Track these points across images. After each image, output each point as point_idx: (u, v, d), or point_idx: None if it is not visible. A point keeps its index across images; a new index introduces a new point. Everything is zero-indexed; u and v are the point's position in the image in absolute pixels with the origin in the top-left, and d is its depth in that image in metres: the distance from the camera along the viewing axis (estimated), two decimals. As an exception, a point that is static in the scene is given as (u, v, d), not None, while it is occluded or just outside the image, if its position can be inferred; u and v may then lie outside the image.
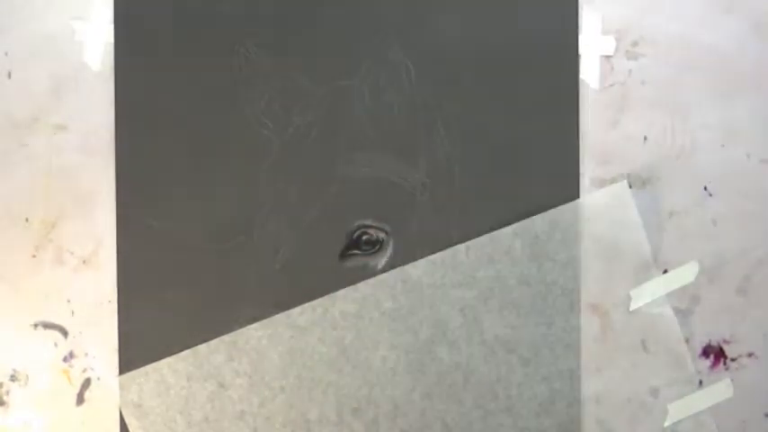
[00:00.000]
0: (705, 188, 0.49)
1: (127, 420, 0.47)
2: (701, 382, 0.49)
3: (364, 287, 0.47)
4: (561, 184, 0.48)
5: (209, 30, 0.47)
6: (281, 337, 0.47)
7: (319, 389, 0.47)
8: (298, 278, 0.47)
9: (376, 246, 0.47)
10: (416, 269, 0.47)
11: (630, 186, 0.48)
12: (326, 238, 0.47)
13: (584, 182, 0.48)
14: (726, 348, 0.49)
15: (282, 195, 0.47)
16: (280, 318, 0.47)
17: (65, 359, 0.48)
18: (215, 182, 0.47)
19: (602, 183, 0.48)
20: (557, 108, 0.48)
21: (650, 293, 0.48)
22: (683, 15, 0.49)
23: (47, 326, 0.47)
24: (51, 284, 0.47)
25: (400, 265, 0.47)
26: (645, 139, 0.49)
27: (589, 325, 0.48)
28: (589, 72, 0.48)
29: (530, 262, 0.48)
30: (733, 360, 0.49)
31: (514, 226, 0.47)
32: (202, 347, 0.47)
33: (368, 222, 0.47)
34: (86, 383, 0.48)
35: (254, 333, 0.47)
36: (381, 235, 0.47)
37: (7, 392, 0.48)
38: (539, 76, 0.48)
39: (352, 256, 0.47)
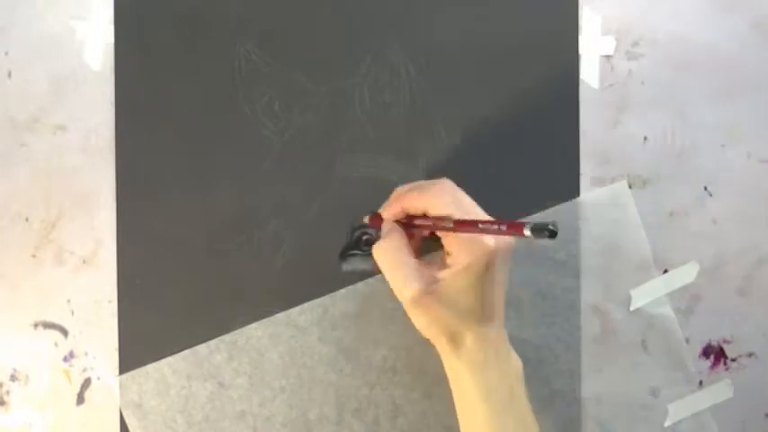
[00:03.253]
0: (705, 188, 0.49)
1: (127, 420, 0.47)
2: (701, 382, 0.49)
3: (364, 287, 0.47)
4: (561, 183, 0.48)
5: (209, 30, 0.47)
6: (280, 337, 0.47)
7: (319, 389, 0.47)
8: (298, 278, 0.47)
9: (376, 246, 0.47)
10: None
11: (630, 186, 0.48)
12: (326, 238, 0.47)
13: (585, 182, 0.48)
14: (726, 348, 0.49)
15: (282, 195, 0.47)
16: (280, 318, 0.47)
17: (65, 359, 0.48)
18: (215, 182, 0.47)
19: (602, 182, 0.48)
20: (557, 108, 0.48)
21: (650, 293, 0.48)
22: (683, 15, 0.49)
23: (47, 326, 0.48)
24: (51, 284, 0.47)
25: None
26: (645, 139, 0.49)
27: (589, 325, 0.48)
28: (589, 72, 0.48)
29: (528, 261, 0.48)
30: (733, 360, 0.49)
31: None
32: (202, 347, 0.47)
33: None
34: (86, 383, 0.48)
35: (254, 333, 0.47)
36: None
37: (7, 392, 0.48)
38: (539, 76, 0.48)
39: (352, 256, 0.47)
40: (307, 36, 0.48)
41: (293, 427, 0.47)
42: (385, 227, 0.43)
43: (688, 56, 0.49)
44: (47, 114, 0.48)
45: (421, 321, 0.40)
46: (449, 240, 0.40)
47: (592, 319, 0.48)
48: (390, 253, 0.40)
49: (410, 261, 0.40)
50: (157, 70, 0.47)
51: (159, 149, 0.47)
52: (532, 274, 0.48)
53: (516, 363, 0.41)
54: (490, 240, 0.39)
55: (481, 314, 0.39)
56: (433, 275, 0.39)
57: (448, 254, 0.40)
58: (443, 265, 0.40)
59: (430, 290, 0.39)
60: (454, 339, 0.40)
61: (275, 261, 0.47)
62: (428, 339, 0.41)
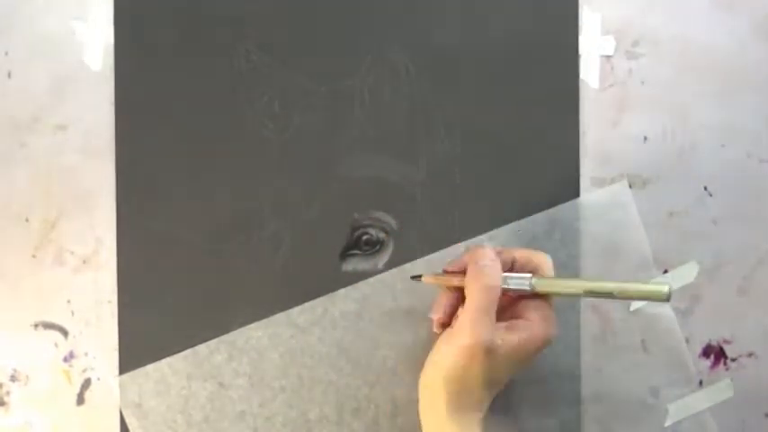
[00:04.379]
0: (705, 188, 0.49)
1: (127, 420, 0.47)
2: (701, 382, 0.49)
3: (364, 287, 0.47)
4: (561, 183, 0.48)
5: (209, 30, 0.47)
6: (280, 337, 0.47)
7: (319, 389, 0.47)
8: (298, 278, 0.47)
9: (376, 246, 0.47)
10: (416, 269, 0.47)
11: (630, 186, 0.48)
12: (326, 238, 0.47)
13: (585, 182, 0.48)
14: (726, 348, 0.49)
15: (282, 195, 0.47)
16: (280, 318, 0.47)
17: (65, 359, 0.48)
18: (215, 182, 0.47)
19: (602, 183, 0.48)
20: (557, 108, 0.48)
21: (650, 293, 0.48)
22: (683, 15, 0.49)
23: (47, 326, 0.47)
24: (51, 284, 0.47)
25: (400, 265, 0.47)
26: (645, 139, 0.49)
27: (589, 325, 0.48)
28: (589, 72, 0.48)
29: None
30: (733, 360, 0.49)
31: (513, 225, 0.47)
32: (202, 347, 0.47)
33: (368, 222, 0.47)
34: (86, 383, 0.48)
35: (254, 333, 0.47)
36: (381, 235, 0.47)
37: (7, 392, 0.48)
38: (539, 76, 0.48)
39: (352, 256, 0.47)
40: (307, 36, 0.48)
41: (293, 427, 0.47)
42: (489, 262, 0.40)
43: (688, 56, 0.49)
44: (47, 114, 0.48)
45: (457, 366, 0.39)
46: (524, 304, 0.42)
47: (592, 319, 0.48)
48: (479, 292, 0.39)
49: (486, 307, 0.39)
50: (157, 70, 0.47)
51: (159, 149, 0.47)
52: (532, 274, 0.48)
53: None
54: (547, 327, 0.41)
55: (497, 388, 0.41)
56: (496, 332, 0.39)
57: (519, 318, 0.41)
58: (513, 328, 0.40)
59: (486, 344, 0.39)
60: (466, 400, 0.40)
61: (275, 261, 0.47)
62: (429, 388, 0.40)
